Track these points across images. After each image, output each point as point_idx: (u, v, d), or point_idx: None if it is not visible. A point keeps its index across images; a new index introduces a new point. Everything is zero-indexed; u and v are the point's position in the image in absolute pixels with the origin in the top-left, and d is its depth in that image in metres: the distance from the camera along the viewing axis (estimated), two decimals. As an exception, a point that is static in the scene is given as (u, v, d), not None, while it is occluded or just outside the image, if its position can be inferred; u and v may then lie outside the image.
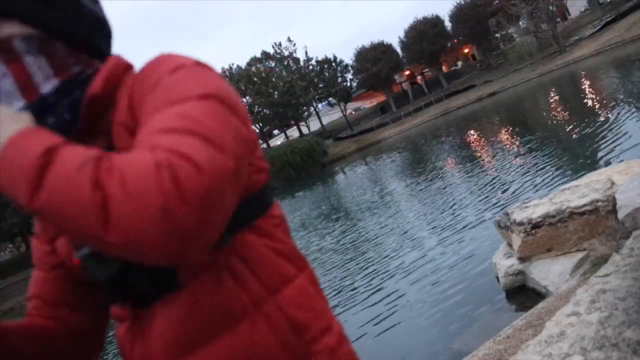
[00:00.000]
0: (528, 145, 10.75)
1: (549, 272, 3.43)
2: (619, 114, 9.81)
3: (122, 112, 0.68)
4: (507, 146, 12.33)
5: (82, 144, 0.57)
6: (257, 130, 48.21)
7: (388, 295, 5.37)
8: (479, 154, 13.18)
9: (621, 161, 5.25)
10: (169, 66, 0.64)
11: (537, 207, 3.66)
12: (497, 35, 47.97)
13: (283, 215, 0.79)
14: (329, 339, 0.73)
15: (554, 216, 3.50)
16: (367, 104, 61.41)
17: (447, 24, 49.63)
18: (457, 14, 47.79)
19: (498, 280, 4.03)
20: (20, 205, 0.53)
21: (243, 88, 47.02)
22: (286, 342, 0.69)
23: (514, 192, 7.30)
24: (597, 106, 12.26)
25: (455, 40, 51.53)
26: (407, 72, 55.81)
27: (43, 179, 0.51)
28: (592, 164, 6.91)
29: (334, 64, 51.45)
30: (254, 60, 51.60)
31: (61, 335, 0.78)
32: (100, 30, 0.75)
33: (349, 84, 52.05)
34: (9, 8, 0.65)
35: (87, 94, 0.69)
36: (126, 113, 0.67)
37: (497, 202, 7.12)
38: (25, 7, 0.66)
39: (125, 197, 0.49)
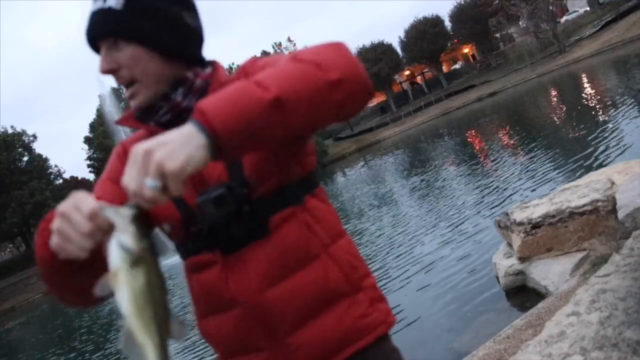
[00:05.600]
0: (528, 145, 10.74)
1: (549, 272, 3.43)
2: (619, 114, 9.81)
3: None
4: (507, 146, 12.34)
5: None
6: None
7: (387, 295, 5.36)
8: (479, 154, 13.19)
9: (619, 162, 5.25)
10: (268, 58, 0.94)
11: (537, 207, 3.66)
12: (497, 35, 47.98)
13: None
14: (370, 280, 1.00)
15: (554, 216, 3.50)
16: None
17: (447, 24, 49.67)
18: (457, 14, 47.80)
19: (498, 280, 4.03)
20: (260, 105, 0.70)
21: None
22: (348, 276, 0.93)
23: (514, 192, 7.30)
24: (597, 106, 12.26)
25: (455, 40, 51.54)
26: (407, 72, 55.82)
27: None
28: (592, 164, 6.91)
29: (334, 64, 51.38)
30: (254, 60, 51.48)
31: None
32: (197, 41, 0.96)
33: (349, 83, 51.98)
34: (136, 33, 0.86)
35: (218, 84, 0.90)
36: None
37: (497, 202, 7.12)
38: (148, 33, 0.87)
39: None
